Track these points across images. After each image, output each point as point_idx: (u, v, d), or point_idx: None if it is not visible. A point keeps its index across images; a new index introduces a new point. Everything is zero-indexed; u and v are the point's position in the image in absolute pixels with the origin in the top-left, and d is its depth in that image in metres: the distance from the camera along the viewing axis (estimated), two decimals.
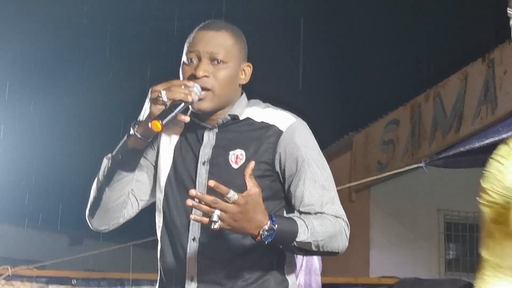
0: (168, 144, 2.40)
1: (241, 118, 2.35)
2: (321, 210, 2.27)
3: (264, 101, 2.46)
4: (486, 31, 8.18)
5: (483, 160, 2.05)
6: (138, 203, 2.45)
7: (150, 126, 2.17)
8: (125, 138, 2.33)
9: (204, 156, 2.32)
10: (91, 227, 2.48)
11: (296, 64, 10.43)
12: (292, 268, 2.36)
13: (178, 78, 2.35)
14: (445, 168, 5.15)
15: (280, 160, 2.30)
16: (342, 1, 9.90)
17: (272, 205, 2.31)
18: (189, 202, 2.10)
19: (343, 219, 2.28)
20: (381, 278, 6.47)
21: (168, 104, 2.21)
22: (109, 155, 2.38)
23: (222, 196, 2.20)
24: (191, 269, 2.28)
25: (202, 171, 2.31)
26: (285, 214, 2.31)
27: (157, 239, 2.51)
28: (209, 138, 2.34)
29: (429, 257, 9.34)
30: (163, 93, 2.21)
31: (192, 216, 2.13)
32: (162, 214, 2.38)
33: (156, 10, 9.97)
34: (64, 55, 10.40)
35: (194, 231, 2.30)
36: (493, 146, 2.00)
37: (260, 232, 2.13)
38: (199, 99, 2.27)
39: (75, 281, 4.95)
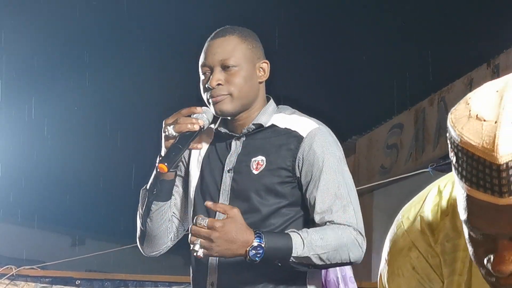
0: (197, 156, 2.47)
1: (266, 125, 2.37)
2: (331, 218, 2.26)
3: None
4: (491, 36, 8.18)
5: None
6: (182, 224, 2.51)
7: (157, 167, 2.23)
8: (155, 170, 2.39)
9: (230, 164, 2.36)
10: (143, 253, 2.55)
11: (299, 67, 10.43)
12: (315, 280, 2.34)
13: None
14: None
15: (299, 166, 2.30)
16: (344, 4, 9.91)
17: (292, 213, 2.31)
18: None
19: (354, 228, 2.26)
20: None
21: (177, 137, 2.28)
22: (145, 186, 2.45)
23: (243, 202, 2.25)
24: (212, 276, 2.32)
25: (227, 178, 2.35)
26: (301, 224, 2.32)
27: None
28: (236, 146, 2.38)
29: None
30: (170, 128, 2.28)
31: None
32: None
33: (168, 12, 10.00)
34: (71, 54, 10.42)
35: None
36: None
37: (247, 249, 2.15)
38: (220, 102, 2.33)
39: (79, 282, 4.96)
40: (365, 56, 10.18)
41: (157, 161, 2.34)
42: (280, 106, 2.47)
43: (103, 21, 9.89)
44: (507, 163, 1.05)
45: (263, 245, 2.15)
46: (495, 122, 1.06)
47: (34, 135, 10.63)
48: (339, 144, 2.38)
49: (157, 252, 2.53)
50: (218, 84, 2.33)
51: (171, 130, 2.28)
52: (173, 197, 2.48)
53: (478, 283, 1.31)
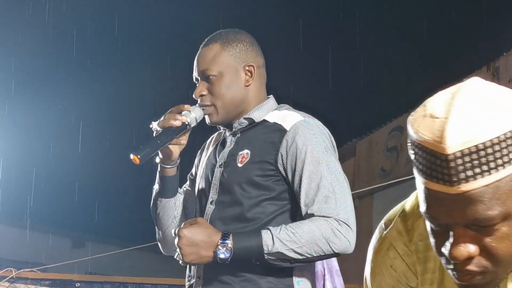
0: (205, 156, 2.53)
1: (258, 121, 2.40)
2: (312, 210, 2.25)
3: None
4: (491, 39, 8.19)
5: None
6: None
7: (131, 159, 2.28)
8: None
9: (222, 159, 2.41)
10: (162, 252, 2.63)
11: (299, 69, 10.43)
12: (304, 272, 2.34)
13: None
14: None
15: (282, 160, 2.31)
16: (344, 7, 9.91)
17: (274, 207, 2.32)
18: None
19: (335, 219, 2.24)
20: None
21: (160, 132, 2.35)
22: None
23: (228, 194, 2.29)
24: (199, 269, 2.35)
25: (217, 172, 2.38)
26: (288, 217, 2.33)
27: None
28: (230, 142, 2.42)
29: None
30: (154, 123, 2.35)
31: None
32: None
33: (168, 12, 10.02)
34: (67, 56, 10.43)
35: None
36: None
37: (214, 250, 2.20)
38: (206, 113, 2.39)
39: (78, 284, 4.96)
40: (365, 58, 10.20)
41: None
42: (280, 105, 2.49)
43: (102, 23, 9.89)
44: (454, 154, 1.13)
45: (230, 245, 2.19)
46: (445, 118, 1.16)
47: (34, 138, 10.64)
48: (326, 135, 2.36)
49: (173, 251, 2.57)
50: (201, 95, 2.39)
51: (155, 126, 2.34)
52: (181, 196, 2.53)
53: (450, 280, 1.36)
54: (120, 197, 11.44)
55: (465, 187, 1.14)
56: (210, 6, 9.75)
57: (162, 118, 2.36)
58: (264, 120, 2.41)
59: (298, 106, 2.52)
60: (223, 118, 2.40)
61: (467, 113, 1.16)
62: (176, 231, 2.24)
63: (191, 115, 2.36)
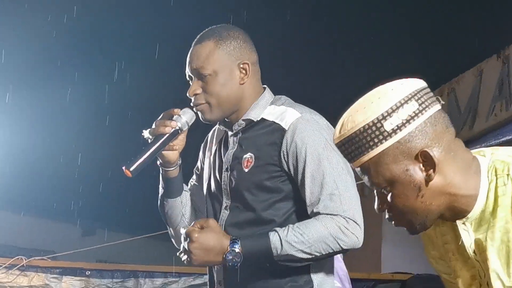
0: (209, 155, 2.50)
1: (257, 120, 2.37)
2: (318, 209, 2.26)
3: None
4: (502, 27, 8.15)
5: None
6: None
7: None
8: None
9: (227, 162, 2.38)
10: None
11: (302, 62, 10.42)
12: (322, 268, 2.34)
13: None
14: None
15: (285, 160, 2.30)
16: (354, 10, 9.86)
17: (286, 207, 2.31)
18: None
19: (342, 216, 2.25)
20: (394, 273, 6.45)
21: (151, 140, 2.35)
22: None
23: (240, 200, 2.27)
24: (219, 274, 2.35)
25: (225, 177, 2.37)
26: (303, 215, 2.31)
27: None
28: (232, 143, 2.39)
29: None
30: (145, 131, 2.34)
31: None
32: None
33: (167, 8, 10.02)
34: (64, 51, 10.45)
35: None
36: (509, 144, 2.01)
37: (224, 256, 2.21)
38: (201, 111, 2.37)
39: (89, 272, 4.98)
40: (374, 47, 10.17)
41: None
42: (276, 96, 2.45)
43: (95, 18, 9.90)
44: (338, 143, 1.70)
45: (238, 250, 2.20)
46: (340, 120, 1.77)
47: (43, 126, 10.67)
48: (326, 129, 2.33)
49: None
50: (196, 94, 2.35)
51: (146, 134, 2.32)
52: (187, 193, 2.51)
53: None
54: (130, 185, 11.47)
55: (356, 163, 1.69)
56: (203, 4, 9.73)
57: (153, 126, 2.33)
58: (263, 119, 2.37)
59: (302, 102, 2.48)
60: (217, 116, 2.37)
61: (347, 116, 1.69)
62: (187, 233, 2.23)
63: (182, 119, 2.34)
